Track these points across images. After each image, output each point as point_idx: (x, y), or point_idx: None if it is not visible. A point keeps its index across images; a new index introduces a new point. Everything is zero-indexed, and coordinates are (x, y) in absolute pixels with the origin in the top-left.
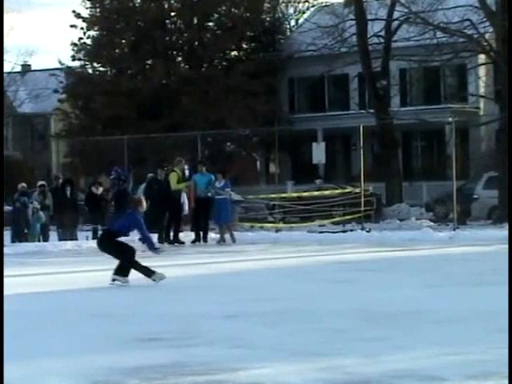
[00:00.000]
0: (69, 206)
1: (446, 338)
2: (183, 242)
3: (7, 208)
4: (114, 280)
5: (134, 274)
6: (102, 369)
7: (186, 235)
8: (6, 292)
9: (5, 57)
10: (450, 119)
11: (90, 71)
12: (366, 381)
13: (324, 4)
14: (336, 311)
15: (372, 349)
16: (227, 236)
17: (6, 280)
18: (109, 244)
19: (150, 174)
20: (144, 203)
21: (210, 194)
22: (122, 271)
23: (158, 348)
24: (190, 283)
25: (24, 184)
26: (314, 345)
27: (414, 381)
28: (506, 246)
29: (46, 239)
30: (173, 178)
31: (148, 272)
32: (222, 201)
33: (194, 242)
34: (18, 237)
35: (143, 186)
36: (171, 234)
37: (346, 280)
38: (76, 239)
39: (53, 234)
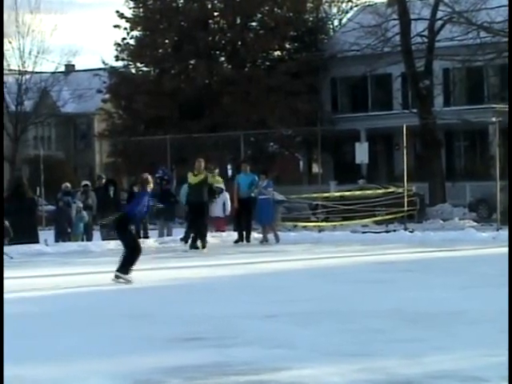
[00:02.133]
0: (112, 206)
1: (485, 338)
2: (198, 247)
3: (50, 208)
4: (117, 277)
5: (170, 274)
6: (144, 368)
7: (229, 235)
8: (48, 292)
9: (48, 57)
10: (494, 119)
11: (133, 71)
12: (406, 381)
13: (367, 4)
14: (376, 312)
15: (411, 349)
16: (271, 236)
17: (49, 280)
18: (124, 231)
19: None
20: (151, 182)
21: (253, 195)
22: (124, 269)
23: (199, 348)
24: (231, 283)
25: (67, 184)
26: (353, 345)
27: (455, 381)
28: None
29: (89, 239)
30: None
31: (127, 271)
32: (265, 201)
33: (236, 241)
34: (62, 236)
35: (186, 186)
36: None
37: (386, 280)
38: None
39: (96, 234)
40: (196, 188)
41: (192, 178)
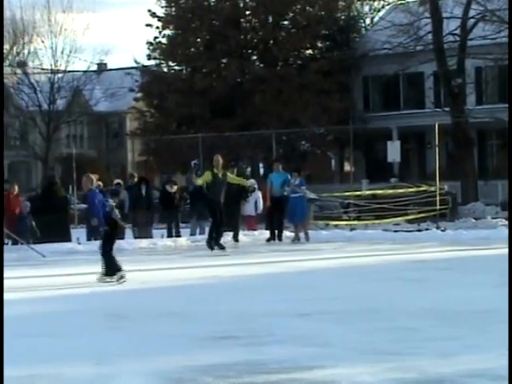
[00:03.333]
0: (144, 205)
1: None
2: (224, 248)
3: (82, 206)
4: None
5: (202, 273)
6: (176, 367)
7: (261, 233)
8: (79, 290)
9: (80, 56)
10: None
11: (165, 70)
12: (440, 380)
13: (399, 2)
14: (408, 310)
15: (444, 348)
16: (301, 234)
17: (81, 278)
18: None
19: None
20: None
21: (285, 193)
22: (109, 270)
23: (231, 346)
24: (263, 282)
25: (99, 182)
26: (386, 344)
27: (487, 381)
28: None
29: (121, 237)
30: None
31: (113, 271)
32: (298, 199)
33: (268, 240)
34: (94, 235)
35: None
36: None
37: (418, 279)
38: (151, 237)
39: (128, 232)
40: (211, 186)
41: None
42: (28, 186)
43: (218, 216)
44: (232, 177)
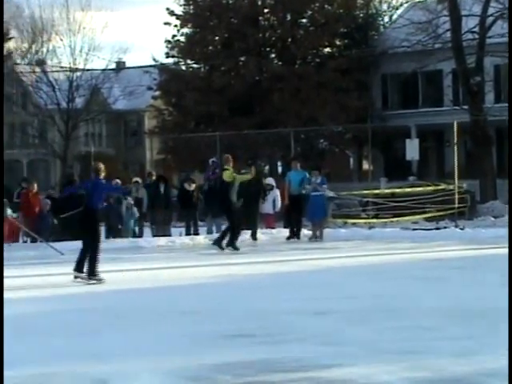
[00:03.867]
0: (162, 203)
1: None
2: (238, 248)
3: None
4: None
5: (219, 271)
6: (193, 365)
7: (279, 232)
8: (97, 288)
9: (99, 54)
10: None
11: (183, 68)
12: (457, 379)
13: (417, 0)
14: (426, 309)
15: (462, 347)
16: (318, 233)
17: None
18: (92, 224)
19: (243, 171)
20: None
21: (304, 192)
22: (92, 271)
23: (249, 345)
24: (281, 280)
25: (118, 180)
26: (403, 342)
27: (503, 380)
28: None
29: (139, 235)
30: (227, 176)
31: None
32: (318, 197)
33: (288, 238)
34: (112, 233)
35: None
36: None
37: (436, 278)
38: (169, 235)
39: (146, 230)
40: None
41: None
42: (47, 184)
43: (236, 216)
44: (238, 176)
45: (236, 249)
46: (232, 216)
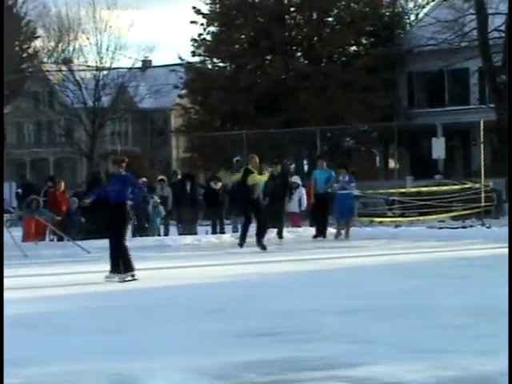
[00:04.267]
0: (188, 201)
1: None
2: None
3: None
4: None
5: (245, 269)
6: (219, 363)
7: (305, 230)
8: (124, 286)
9: (125, 53)
10: None
11: (210, 67)
12: (483, 378)
13: None
14: (451, 308)
15: (488, 346)
16: (343, 231)
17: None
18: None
19: (269, 169)
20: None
21: (329, 190)
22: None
23: (275, 343)
24: (307, 278)
25: (144, 179)
26: (429, 341)
27: None
28: None
29: (165, 233)
30: (250, 177)
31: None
32: (345, 196)
33: (315, 237)
34: (138, 231)
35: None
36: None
37: (462, 276)
38: (195, 234)
39: (172, 229)
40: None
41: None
42: (73, 182)
43: (259, 215)
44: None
45: (264, 248)
46: (259, 215)
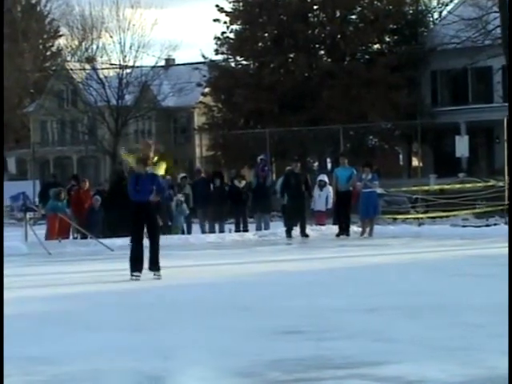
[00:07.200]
0: (217, 199)
1: None
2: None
3: None
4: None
5: (269, 267)
6: (244, 361)
7: (328, 228)
8: (149, 284)
9: (148, 51)
10: None
11: (233, 65)
12: (508, 377)
13: None
14: (476, 306)
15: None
16: (367, 230)
17: (149, 272)
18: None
19: (288, 168)
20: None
21: (351, 188)
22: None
23: (299, 341)
24: (331, 276)
25: (168, 177)
26: (453, 339)
27: None
28: None
29: (189, 232)
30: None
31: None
32: (369, 194)
33: (338, 235)
34: (162, 229)
35: (281, 179)
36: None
37: (486, 274)
38: (223, 231)
39: (195, 227)
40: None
41: None
42: (96, 180)
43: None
44: None
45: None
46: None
